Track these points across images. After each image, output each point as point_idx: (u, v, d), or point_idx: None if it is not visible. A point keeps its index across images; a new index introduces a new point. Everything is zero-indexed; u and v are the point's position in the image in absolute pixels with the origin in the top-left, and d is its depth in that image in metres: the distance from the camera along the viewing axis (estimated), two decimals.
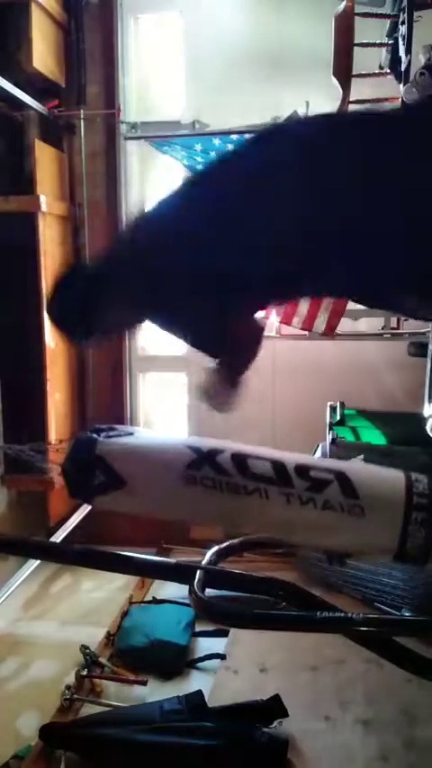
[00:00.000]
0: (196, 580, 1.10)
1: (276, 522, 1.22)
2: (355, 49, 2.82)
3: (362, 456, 1.88)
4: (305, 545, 1.25)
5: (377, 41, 2.98)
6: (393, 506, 1.18)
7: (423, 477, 1.21)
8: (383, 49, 2.97)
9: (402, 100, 2.31)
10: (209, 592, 1.12)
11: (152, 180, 3.81)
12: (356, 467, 1.29)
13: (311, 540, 1.23)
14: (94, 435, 1.26)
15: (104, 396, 3.84)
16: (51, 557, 1.75)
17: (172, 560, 1.28)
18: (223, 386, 1.39)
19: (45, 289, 3.33)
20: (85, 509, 3.46)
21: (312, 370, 3.60)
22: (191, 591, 1.10)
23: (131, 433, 1.30)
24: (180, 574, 1.19)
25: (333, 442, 2.70)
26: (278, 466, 1.21)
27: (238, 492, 1.19)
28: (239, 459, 1.22)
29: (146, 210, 1.37)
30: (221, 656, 2.74)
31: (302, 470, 1.20)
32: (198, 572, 1.12)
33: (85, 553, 1.32)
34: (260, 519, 1.22)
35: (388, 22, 2.90)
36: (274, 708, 2.29)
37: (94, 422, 3.82)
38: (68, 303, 1.42)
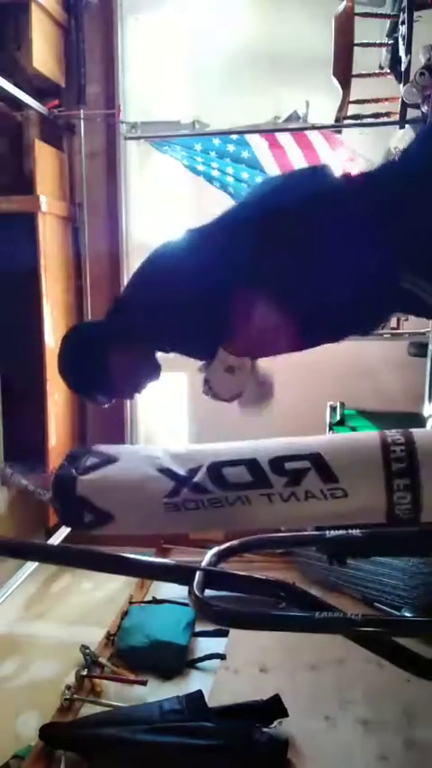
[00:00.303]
0: (195, 581, 1.11)
1: (263, 523, 1.23)
2: (355, 49, 2.82)
3: None
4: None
5: (377, 41, 2.98)
6: (374, 478, 1.18)
7: (399, 437, 1.20)
8: (383, 49, 2.97)
9: (402, 101, 2.31)
10: (209, 592, 1.12)
11: (152, 180, 3.81)
12: (331, 443, 1.28)
13: (303, 527, 1.24)
14: (72, 471, 1.27)
15: None
16: (49, 559, 1.72)
17: (171, 561, 1.28)
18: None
19: (45, 288, 3.33)
20: None
21: (312, 370, 3.59)
22: (190, 592, 1.10)
23: (108, 460, 1.30)
24: (179, 575, 1.19)
25: None
26: (253, 467, 1.21)
27: (222, 505, 1.20)
28: (216, 472, 1.22)
29: (146, 266, 1.39)
30: (221, 656, 2.74)
31: (278, 465, 1.20)
32: (197, 573, 1.13)
33: (84, 554, 1.32)
34: (247, 523, 1.23)
35: (388, 22, 2.91)
36: (274, 708, 2.29)
37: (93, 421, 3.83)
38: (79, 365, 1.43)
